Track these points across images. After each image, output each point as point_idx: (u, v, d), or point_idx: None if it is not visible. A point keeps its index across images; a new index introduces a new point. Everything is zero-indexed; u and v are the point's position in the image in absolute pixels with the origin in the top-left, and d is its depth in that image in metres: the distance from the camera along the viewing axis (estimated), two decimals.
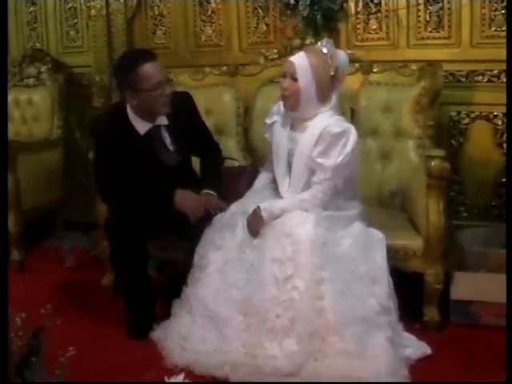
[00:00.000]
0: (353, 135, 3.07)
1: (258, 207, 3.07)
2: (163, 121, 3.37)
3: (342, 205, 3.15)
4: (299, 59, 3.12)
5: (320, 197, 3.06)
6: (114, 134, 3.31)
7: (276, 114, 3.30)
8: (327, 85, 3.10)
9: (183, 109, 3.40)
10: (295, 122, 3.22)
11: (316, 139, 3.07)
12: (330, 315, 2.84)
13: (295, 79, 3.10)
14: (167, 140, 3.40)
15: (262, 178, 3.44)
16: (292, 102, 3.14)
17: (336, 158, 3.03)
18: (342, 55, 3.17)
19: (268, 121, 3.36)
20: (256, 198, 3.26)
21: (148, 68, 3.22)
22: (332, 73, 3.08)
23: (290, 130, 3.23)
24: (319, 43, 3.20)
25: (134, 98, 3.27)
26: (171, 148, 3.41)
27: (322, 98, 3.12)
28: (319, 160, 3.05)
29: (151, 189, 3.28)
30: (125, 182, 3.29)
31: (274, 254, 2.94)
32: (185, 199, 3.25)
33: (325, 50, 3.11)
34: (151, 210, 3.24)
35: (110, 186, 3.33)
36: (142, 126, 3.34)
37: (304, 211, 3.03)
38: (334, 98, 3.16)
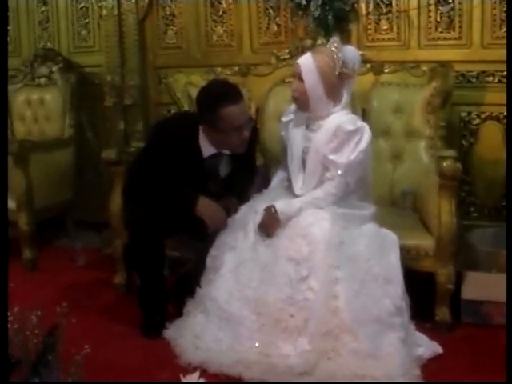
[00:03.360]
0: (367, 134, 3.10)
1: (274, 208, 3.08)
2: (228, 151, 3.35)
3: (355, 204, 3.17)
4: (304, 60, 3.16)
5: (334, 192, 3.08)
6: (175, 141, 3.27)
7: (292, 113, 3.33)
8: (335, 82, 3.12)
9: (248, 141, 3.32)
10: (310, 121, 3.24)
11: (330, 137, 3.10)
12: (344, 315, 2.85)
13: (302, 80, 3.13)
14: (222, 167, 3.38)
15: (278, 177, 3.47)
16: (302, 102, 3.18)
17: (349, 155, 3.06)
18: (351, 50, 3.19)
19: (284, 119, 3.39)
20: (268, 196, 3.29)
21: (231, 111, 3.15)
22: (338, 70, 3.09)
23: (305, 129, 3.26)
24: (329, 42, 3.22)
25: (209, 133, 3.25)
26: (222, 175, 3.40)
27: (332, 96, 3.14)
28: (331, 157, 3.08)
29: (176, 191, 3.25)
30: (154, 182, 3.26)
31: (289, 253, 2.96)
32: (206, 207, 3.24)
33: (332, 48, 3.13)
34: (172, 210, 3.23)
35: (140, 182, 3.29)
36: (207, 150, 3.31)
37: (319, 209, 3.05)
38: (345, 96, 3.18)
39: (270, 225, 3.07)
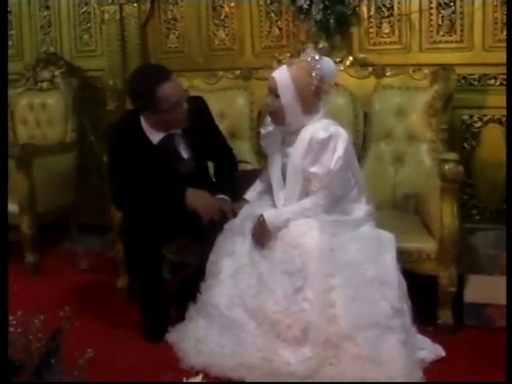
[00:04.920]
0: (342, 137, 3.05)
1: (262, 217, 3.07)
2: (177, 130, 3.35)
3: (346, 209, 3.16)
4: (280, 74, 3.11)
5: (322, 203, 3.06)
6: (127, 143, 3.30)
7: (271, 125, 3.29)
8: (311, 97, 3.09)
9: (197, 114, 3.36)
10: (286, 135, 3.22)
11: (305, 150, 3.06)
12: (342, 322, 2.84)
13: (277, 95, 3.09)
14: (181, 147, 3.38)
15: (261, 182, 3.45)
16: (277, 117, 3.15)
17: (328, 163, 3.02)
18: (327, 63, 3.15)
19: (263, 131, 3.36)
20: (263, 202, 3.30)
21: (165, 89, 3.17)
22: (315, 85, 3.06)
23: (282, 143, 3.24)
24: (303, 54, 3.19)
25: (152, 118, 3.26)
26: (185, 155, 3.39)
27: (308, 110, 3.11)
28: (312, 169, 3.05)
29: (163, 190, 3.28)
30: (137, 187, 3.28)
31: (284, 266, 2.95)
32: (196, 198, 3.23)
33: (309, 62, 3.08)
34: (165, 213, 3.23)
35: (123, 192, 3.32)
36: (155, 136, 3.32)
37: (308, 218, 3.03)
38: (322, 109, 3.15)
39: (260, 235, 3.08)
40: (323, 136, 3.02)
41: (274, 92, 3.11)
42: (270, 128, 3.29)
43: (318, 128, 3.06)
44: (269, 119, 3.27)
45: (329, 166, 3.01)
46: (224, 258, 3.12)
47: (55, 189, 4.65)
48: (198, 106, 3.43)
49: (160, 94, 3.17)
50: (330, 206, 3.08)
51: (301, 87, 3.06)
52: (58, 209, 4.72)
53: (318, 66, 3.07)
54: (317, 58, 3.09)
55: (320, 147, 3.02)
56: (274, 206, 3.22)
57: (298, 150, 3.10)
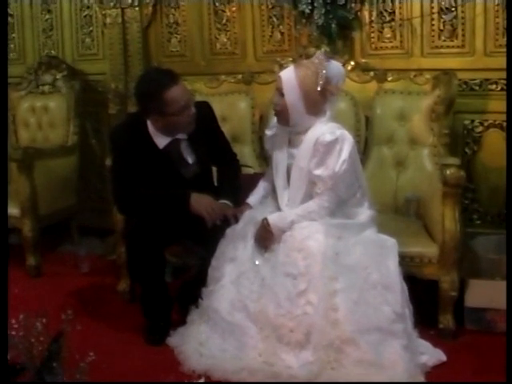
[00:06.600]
0: (347, 141, 3.06)
1: (266, 220, 3.08)
2: (183, 135, 3.35)
3: (350, 212, 3.16)
4: (287, 74, 3.13)
5: (326, 205, 3.07)
6: (132, 145, 3.30)
7: (276, 127, 3.30)
8: (316, 98, 3.09)
9: (202, 119, 3.36)
10: (292, 137, 3.22)
11: (311, 152, 3.07)
12: (344, 326, 2.84)
13: (283, 94, 3.10)
14: (186, 152, 3.39)
15: (263, 186, 3.45)
16: (282, 116, 3.16)
17: (333, 167, 3.02)
18: (335, 66, 3.17)
19: (269, 132, 3.36)
20: (265, 207, 3.30)
21: (174, 92, 3.18)
22: (321, 86, 3.06)
23: (288, 144, 3.24)
24: (314, 56, 3.20)
25: (159, 122, 3.26)
26: (190, 160, 3.39)
27: (313, 111, 3.12)
28: (317, 172, 3.06)
29: (167, 193, 3.28)
30: (141, 190, 3.28)
31: (287, 269, 2.95)
32: (200, 202, 3.24)
33: (316, 63, 3.09)
34: (168, 216, 3.24)
35: (126, 195, 3.32)
36: (161, 141, 3.32)
37: (312, 221, 3.04)
38: (328, 112, 3.15)
39: (263, 238, 3.09)
40: (329, 139, 3.03)
41: (279, 91, 3.13)
42: (276, 130, 3.29)
43: (324, 130, 3.07)
44: (275, 120, 3.28)
45: (334, 168, 3.02)
46: (226, 263, 3.13)
47: (57, 192, 4.65)
48: (204, 111, 3.43)
49: (168, 97, 3.17)
50: (334, 210, 3.09)
51: (306, 87, 3.07)
52: (59, 211, 4.71)
53: (325, 68, 3.07)
54: (324, 60, 3.10)
55: (326, 150, 3.03)
56: (276, 210, 3.23)
57: (303, 151, 3.11)
